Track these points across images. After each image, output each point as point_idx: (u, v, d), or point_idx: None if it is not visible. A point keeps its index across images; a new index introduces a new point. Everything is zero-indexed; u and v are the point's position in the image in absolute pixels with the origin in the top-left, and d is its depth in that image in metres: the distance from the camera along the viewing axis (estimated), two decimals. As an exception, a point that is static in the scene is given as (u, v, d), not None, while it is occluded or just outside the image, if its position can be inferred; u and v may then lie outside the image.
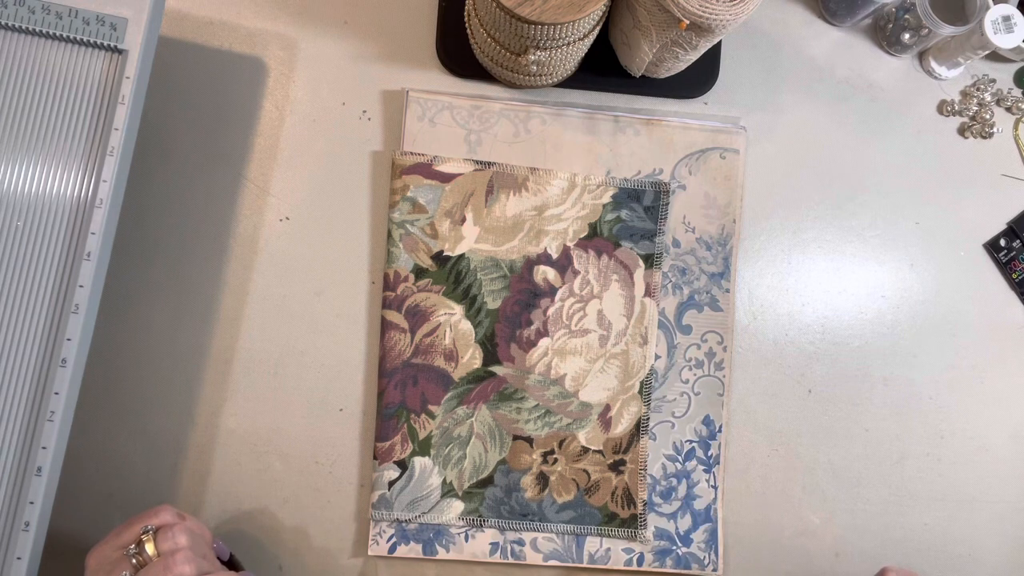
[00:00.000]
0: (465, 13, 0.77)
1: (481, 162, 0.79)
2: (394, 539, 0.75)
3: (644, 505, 0.77)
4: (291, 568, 0.75)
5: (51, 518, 0.59)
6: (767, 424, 0.81)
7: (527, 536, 0.76)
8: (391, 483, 0.75)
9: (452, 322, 0.77)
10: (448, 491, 0.76)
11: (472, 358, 0.77)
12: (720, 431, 0.79)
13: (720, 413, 0.79)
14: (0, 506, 0.57)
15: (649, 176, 0.81)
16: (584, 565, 0.76)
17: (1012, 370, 0.83)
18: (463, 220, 0.78)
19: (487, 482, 0.76)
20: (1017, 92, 0.86)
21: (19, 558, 0.57)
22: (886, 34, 0.85)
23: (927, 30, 0.80)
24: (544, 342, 0.78)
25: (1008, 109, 0.86)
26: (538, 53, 0.70)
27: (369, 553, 0.75)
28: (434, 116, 0.80)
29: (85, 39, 0.61)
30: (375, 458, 0.75)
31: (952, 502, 0.82)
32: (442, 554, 0.75)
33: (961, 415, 0.83)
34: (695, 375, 0.80)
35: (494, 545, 0.76)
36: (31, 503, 0.57)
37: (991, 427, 0.83)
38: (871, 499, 0.81)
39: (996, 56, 0.85)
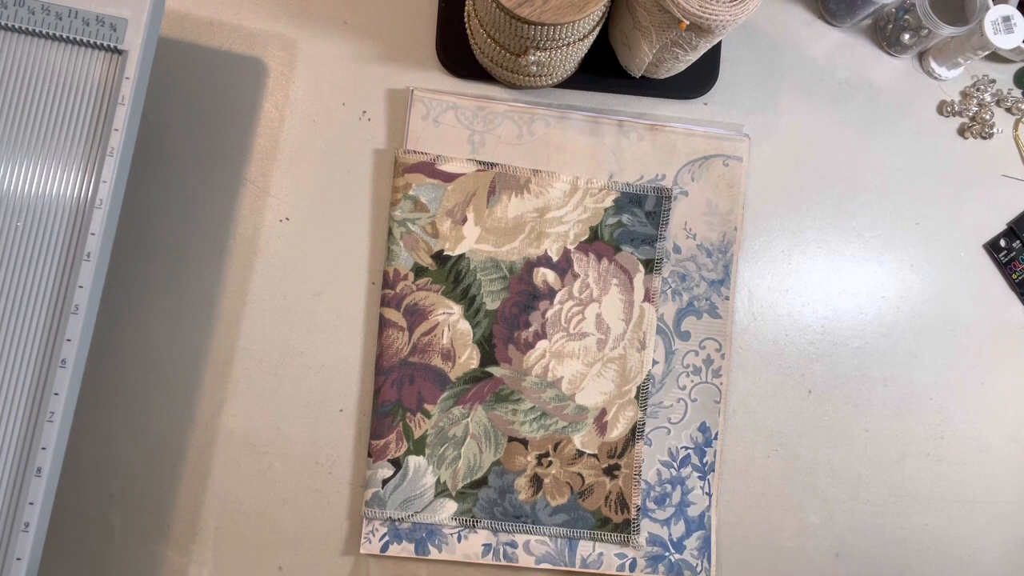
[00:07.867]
0: (465, 13, 0.77)
1: (484, 163, 0.79)
2: (387, 538, 0.75)
3: (638, 510, 0.77)
4: (291, 568, 0.75)
5: (51, 518, 0.59)
6: (767, 424, 0.81)
7: (520, 538, 0.76)
8: (385, 481, 0.75)
9: (450, 322, 0.77)
10: (442, 491, 0.76)
11: (469, 358, 0.77)
12: (716, 438, 0.79)
13: (716, 420, 0.79)
14: (0, 506, 0.57)
15: (651, 181, 0.81)
16: (576, 569, 0.76)
17: (1012, 371, 0.83)
18: (464, 220, 0.78)
19: (481, 483, 0.76)
20: (1017, 92, 0.86)
21: (19, 558, 0.57)
22: (886, 35, 0.85)
23: (927, 30, 0.79)
24: (542, 344, 0.78)
25: (1008, 110, 0.86)
26: (538, 53, 0.70)
27: (361, 551, 0.75)
28: (438, 116, 0.80)
29: (85, 40, 0.61)
30: (369, 455, 0.75)
31: (952, 502, 0.82)
32: (434, 554, 0.75)
33: (961, 415, 0.82)
34: (692, 382, 0.79)
35: (487, 547, 0.76)
36: (31, 503, 0.57)
37: (991, 428, 0.83)
38: (871, 499, 0.81)
39: (996, 56, 0.85)
